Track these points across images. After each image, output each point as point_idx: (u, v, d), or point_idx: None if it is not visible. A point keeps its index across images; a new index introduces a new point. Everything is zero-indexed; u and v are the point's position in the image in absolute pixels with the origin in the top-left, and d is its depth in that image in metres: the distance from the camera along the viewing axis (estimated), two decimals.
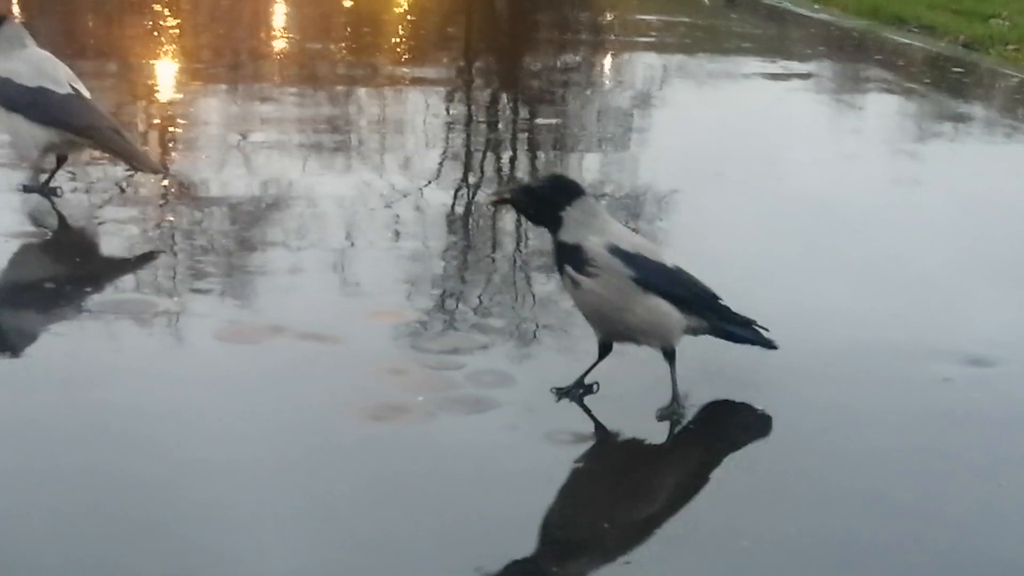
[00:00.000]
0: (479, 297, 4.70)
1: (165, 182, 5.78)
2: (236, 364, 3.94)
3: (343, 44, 9.83)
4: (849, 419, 3.78)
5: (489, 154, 6.91)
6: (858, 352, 4.27)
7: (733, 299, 3.83)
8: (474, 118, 7.75)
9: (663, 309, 3.69)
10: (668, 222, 5.70)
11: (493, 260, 5.17)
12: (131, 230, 5.13)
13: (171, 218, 5.36)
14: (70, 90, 5.44)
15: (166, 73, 8.50)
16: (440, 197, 5.87)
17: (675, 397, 3.75)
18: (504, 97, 8.49)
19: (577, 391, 3.78)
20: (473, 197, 5.99)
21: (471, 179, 6.33)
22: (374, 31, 10.64)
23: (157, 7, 11.10)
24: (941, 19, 11.54)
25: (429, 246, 5.21)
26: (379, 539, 3.01)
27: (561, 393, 3.78)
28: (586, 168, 6.58)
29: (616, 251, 3.66)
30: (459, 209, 5.80)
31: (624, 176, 6.47)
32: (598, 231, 3.69)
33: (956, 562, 3.09)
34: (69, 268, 4.75)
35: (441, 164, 6.45)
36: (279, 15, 11.79)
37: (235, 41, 9.88)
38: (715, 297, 3.80)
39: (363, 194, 5.77)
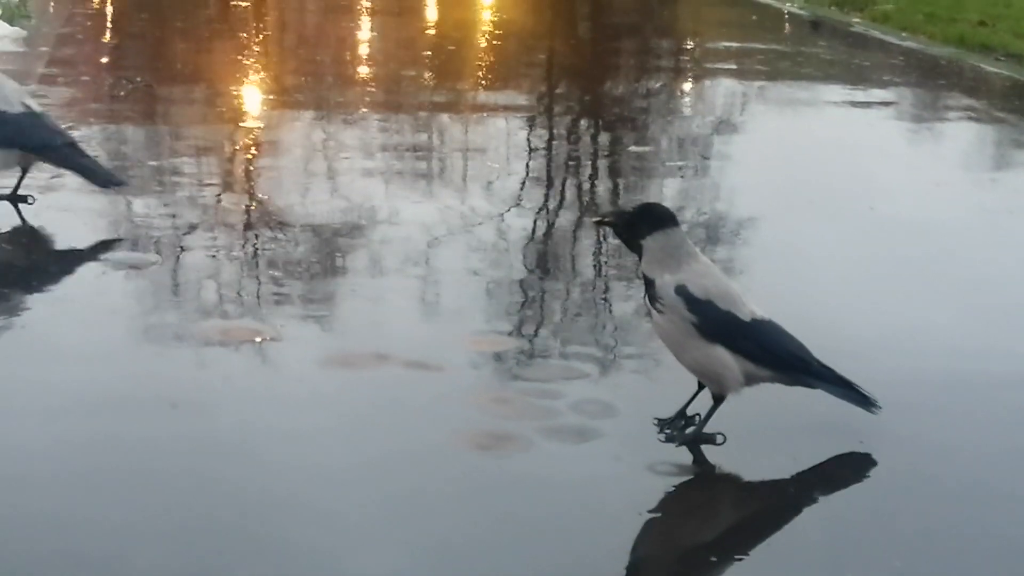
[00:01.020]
0: (576, 324, 4.74)
1: (253, 207, 5.86)
2: (341, 391, 4.01)
3: (426, 69, 9.90)
4: (947, 455, 3.77)
5: (573, 179, 6.94)
6: (956, 384, 4.26)
7: (827, 329, 3.84)
8: (556, 144, 7.79)
9: (722, 360, 3.66)
10: (755, 250, 5.70)
11: (585, 286, 5.20)
12: (222, 256, 5.21)
13: (261, 244, 5.43)
14: (22, 108, 5.48)
15: (251, 98, 8.59)
16: (526, 223, 5.91)
17: (697, 430, 3.72)
18: (586, 123, 8.52)
19: (679, 422, 3.80)
20: (560, 223, 6.02)
21: (557, 205, 6.36)
22: (457, 56, 10.69)
23: (244, 33, 11.21)
24: None
25: (519, 272, 5.26)
26: (485, 571, 3.05)
27: (663, 424, 3.79)
28: (668, 194, 6.59)
29: (683, 292, 3.63)
30: (546, 235, 5.83)
31: (708, 203, 6.48)
32: (674, 268, 3.67)
33: None
34: (168, 297, 4.82)
35: (526, 190, 6.48)
36: (364, 39, 11.87)
37: (320, 66, 9.97)
38: (800, 357, 3.71)
39: (450, 220, 5.82)
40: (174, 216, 5.68)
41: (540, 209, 6.20)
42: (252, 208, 5.90)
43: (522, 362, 4.29)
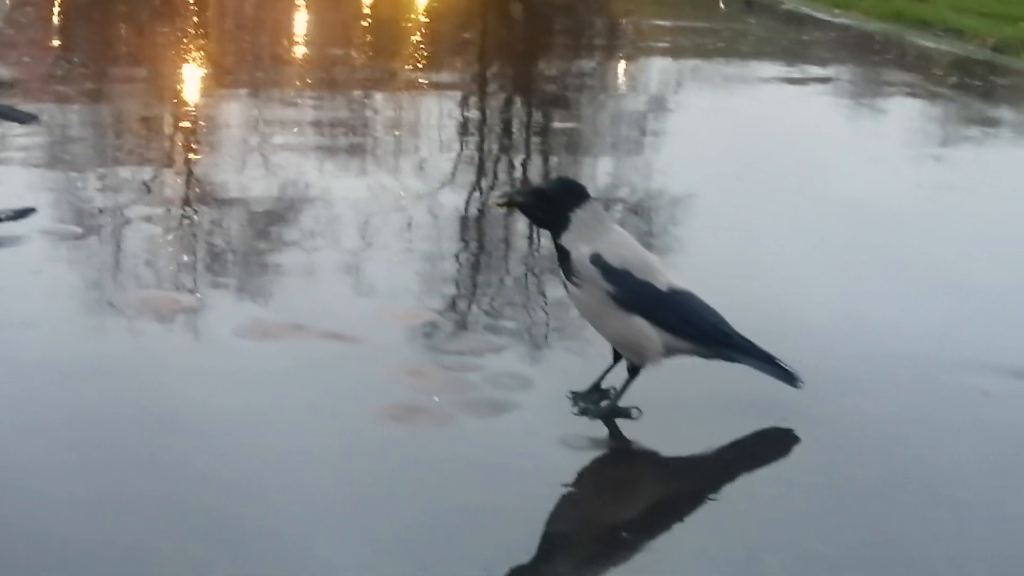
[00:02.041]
0: (494, 300, 4.67)
1: (187, 183, 5.78)
2: (257, 361, 3.91)
3: (361, 49, 9.80)
4: (870, 431, 3.70)
5: (503, 158, 6.88)
6: (893, 362, 4.17)
7: (759, 306, 3.76)
8: (489, 122, 7.71)
9: (642, 330, 3.58)
10: (687, 227, 5.63)
11: (507, 263, 5.12)
12: (153, 228, 5.11)
13: (193, 217, 5.34)
14: None
15: (190, 78, 8.49)
16: (454, 200, 5.84)
17: (612, 404, 3.64)
18: (519, 102, 8.45)
19: (594, 395, 3.71)
20: (487, 201, 5.95)
21: (485, 183, 6.29)
22: (391, 37, 10.61)
23: (184, 16, 11.09)
24: (968, 22, 11.43)
25: (444, 249, 5.17)
26: (391, 534, 2.97)
27: (578, 397, 3.71)
28: (601, 173, 6.53)
29: (599, 262, 3.55)
30: (473, 213, 5.76)
31: (640, 181, 6.42)
32: (592, 239, 3.58)
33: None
34: (96, 266, 4.72)
35: (456, 168, 6.41)
36: (300, 22, 11.77)
37: (257, 47, 9.87)
38: (721, 329, 3.62)
39: (379, 197, 5.74)
40: (107, 190, 5.60)
41: (470, 187, 6.12)
42: (186, 184, 5.82)
43: (437, 335, 4.20)
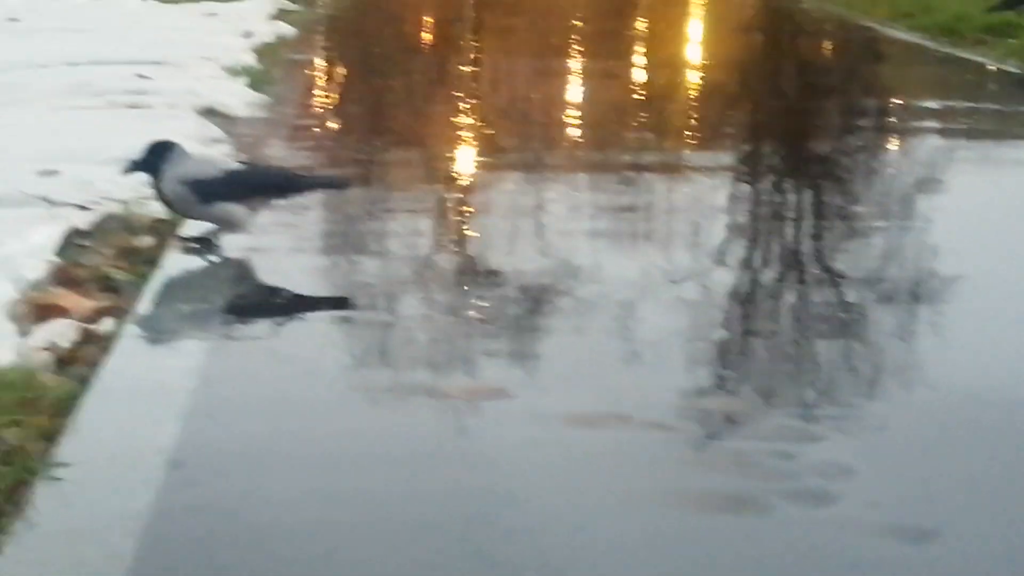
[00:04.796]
0: (802, 384, 4.59)
1: (465, 264, 5.85)
2: (570, 449, 3.87)
3: (631, 129, 9.80)
4: None
5: (776, 236, 6.79)
6: None
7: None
8: (758, 201, 7.63)
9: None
10: (958, 311, 5.43)
11: (799, 343, 5.02)
12: (435, 311, 5.17)
13: (473, 300, 5.38)
14: (238, 165, 5.83)
15: (463, 157, 8.62)
16: (733, 280, 5.74)
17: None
18: (788, 181, 8.34)
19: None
20: (768, 279, 5.85)
21: (763, 262, 6.20)
22: (662, 114, 10.60)
23: (458, 94, 11.30)
24: None
25: (732, 329, 5.11)
26: None
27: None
28: (872, 251, 6.38)
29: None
30: (755, 291, 5.67)
31: (912, 262, 6.25)
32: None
33: None
34: (385, 351, 4.76)
35: (734, 248, 6.32)
36: (573, 95, 11.88)
37: (529, 123, 9.96)
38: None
39: (658, 277, 5.68)
40: (389, 271, 5.68)
41: (748, 266, 6.05)
42: (464, 265, 5.86)
43: (754, 422, 4.15)
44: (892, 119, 11.01)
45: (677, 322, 5.14)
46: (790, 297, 5.60)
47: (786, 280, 5.89)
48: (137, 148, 5.78)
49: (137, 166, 5.63)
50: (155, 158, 5.58)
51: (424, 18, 17.97)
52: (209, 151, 6.61)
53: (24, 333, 4.53)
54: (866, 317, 5.34)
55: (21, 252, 5.21)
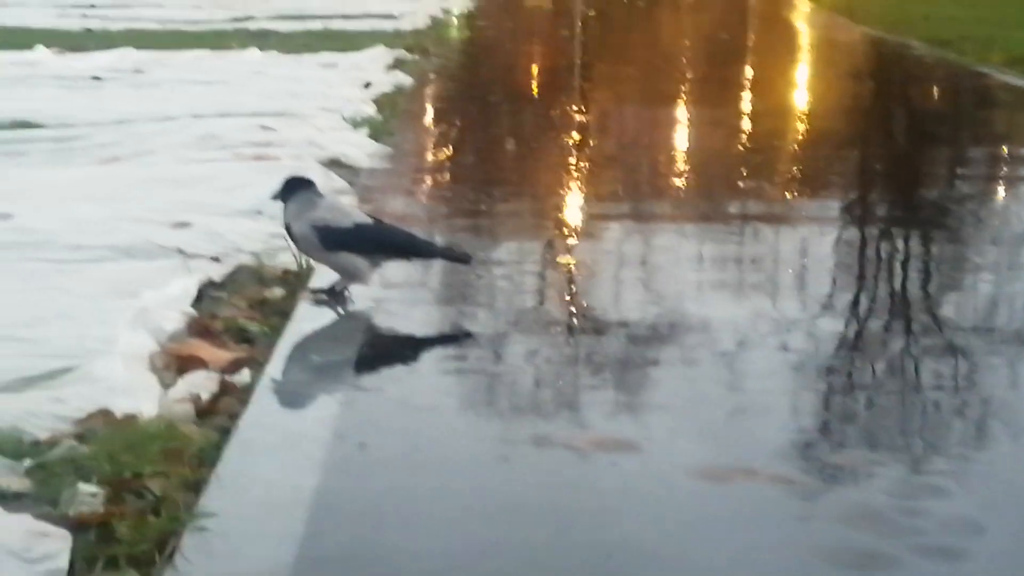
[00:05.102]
0: (928, 438, 4.58)
1: (574, 311, 5.91)
2: (700, 503, 3.92)
3: (738, 172, 9.77)
4: None
5: (890, 285, 6.76)
6: None
7: None
8: (868, 249, 7.58)
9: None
10: None
11: (929, 395, 5.00)
12: (547, 359, 5.23)
13: (584, 348, 5.43)
14: (368, 219, 5.81)
15: (571, 205, 8.68)
16: (852, 331, 5.73)
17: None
18: (897, 229, 8.28)
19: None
20: (879, 328, 5.83)
21: (885, 312, 6.18)
22: (770, 162, 10.57)
23: (566, 142, 11.36)
24: None
25: (858, 382, 5.10)
26: None
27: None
28: (981, 299, 6.34)
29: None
30: (877, 343, 5.63)
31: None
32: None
33: None
34: (507, 400, 4.84)
35: (842, 296, 6.31)
36: (680, 141, 11.90)
37: (637, 171, 10.00)
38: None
39: (768, 326, 5.68)
40: (509, 322, 5.74)
41: (863, 316, 6.02)
42: (585, 314, 5.90)
43: (880, 477, 4.15)
44: (1005, 167, 10.89)
45: (794, 373, 5.16)
46: (907, 347, 5.58)
47: (902, 330, 5.87)
48: (265, 199, 5.95)
49: (276, 197, 5.76)
50: (291, 192, 5.71)
51: (534, 67, 18.12)
52: (340, 200, 6.72)
53: (164, 384, 4.65)
54: (983, 367, 5.31)
55: (158, 304, 5.34)
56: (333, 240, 5.64)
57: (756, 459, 4.20)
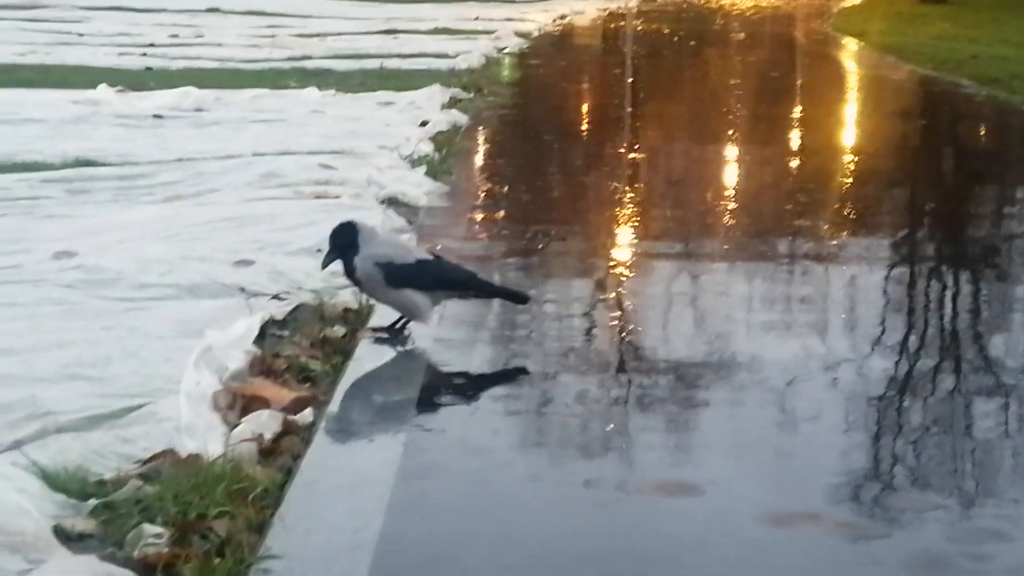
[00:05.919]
0: (990, 479, 4.49)
1: (623, 350, 5.86)
2: (774, 549, 3.87)
3: (790, 214, 9.69)
4: None
5: (944, 326, 6.67)
6: None
7: None
8: (918, 288, 7.50)
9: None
10: None
11: (991, 438, 4.90)
12: (597, 400, 5.18)
13: (635, 388, 5.38)
14: (427, 255, 5.79)
15: (621, 242, 8.64)
16: (910, 373, 5.64)
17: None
18: (948, 267, 8.18)
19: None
20: (945, 372, 5.74)
21: (941, 353, 6.09)
22: (820, 201, 10.46)
23: (621, 179, 11.33)
24: None
25: (919, 425, 5.04)
26: None
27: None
28: None
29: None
30: (935, 385, 5.54)
31: None
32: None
33: None
34: (579, 445, 4.81)
35: (907, 338, 6.22)
36: (729, 176, 11.83)
37: (686, 207, 9.95)
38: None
39: (819, 365, 5.64)
40: (567, 362, 5.69)
41: (919, 357, 5.94)
42: (630, 352, 5.87)
43: (942, 519, 4.06)
44: None
45: (850, 413, 5.09)
46: (961, 387, 5.49)
47: (954, 369, 5.78)
48: (323, 240, 5.92)
49: (332, 256, 5.70)
50: (345, 241, 5.66)
51: (587, 105, 18.09)
52: (398, 237, 6.71)
53: (228, 424, 4.62)
54: None
55: (222, 343, 5.31)
56: (397, 277, 5.61)
57: (817, 502, 4.14)
